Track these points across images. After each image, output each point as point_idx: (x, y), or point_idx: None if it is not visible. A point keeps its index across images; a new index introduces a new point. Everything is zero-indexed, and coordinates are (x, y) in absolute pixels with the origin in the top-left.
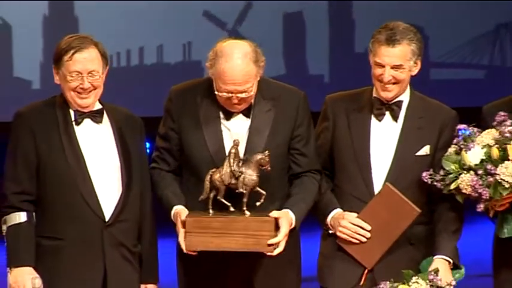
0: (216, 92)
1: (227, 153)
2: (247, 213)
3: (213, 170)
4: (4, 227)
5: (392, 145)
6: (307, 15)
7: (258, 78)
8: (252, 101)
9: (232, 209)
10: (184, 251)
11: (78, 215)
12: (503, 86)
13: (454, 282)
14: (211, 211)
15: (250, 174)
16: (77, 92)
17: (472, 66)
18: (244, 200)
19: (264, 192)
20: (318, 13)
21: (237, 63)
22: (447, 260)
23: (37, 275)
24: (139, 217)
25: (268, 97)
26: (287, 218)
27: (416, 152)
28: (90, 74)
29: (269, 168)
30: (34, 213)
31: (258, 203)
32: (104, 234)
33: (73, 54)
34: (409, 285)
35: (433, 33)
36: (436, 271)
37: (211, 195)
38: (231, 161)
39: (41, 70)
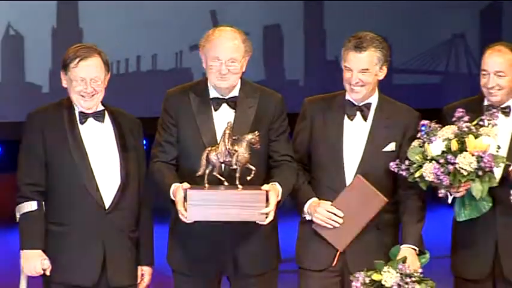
0: (208, 65)
1: (222, 134)
2: (240, 187)
3: (209, 149)
4: (17, 215)
5: (362, 142)
6: (284, 27)
7: (244, 62)
8: (237, 95)
9: (226, 183)
10: (186, 221)
11: (81, 203)
12: (458, 90)
13: (420, 268)
14: (206, 185)
15: (242, 152)
16: (81, 96)
17: (430, 72)
18: (238, 175)
19: (253, 168)
20: (294, 26)
21: (228, 33)
22: (413, 248)
23: (46, 257)
24: (137, 206)
25: (251, 96)
26: (275, 191)
27: (383, 148)
28: (93, 80)
29: (259, 146)
30: (43, 202)
31: (248, 178)
32: (104, 220)
33: (78, 62)
34: (381, 274)
35: (396, 42)
36: (404, 260)
37: (207, 171)
38: (226, 140)
39: (50, 76)
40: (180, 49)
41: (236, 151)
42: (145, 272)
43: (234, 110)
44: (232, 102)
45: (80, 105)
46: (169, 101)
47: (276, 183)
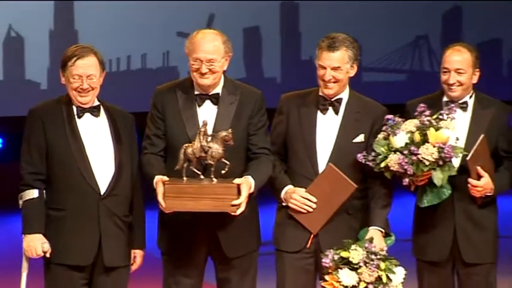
0: (191, 64)
1: (197, 132)
2: (215, 180)
3: (186, 145)
4: (20, 202)
5: (333, 134)
6: (262, 29)
7: (225, 62)
8: (220, 92)
9: (202, 176)
10: (164, 211)
11: (78, 190)
12: (421, 87)
13: (386, 247)
14: (185, 178)
15: (216, 148)
16: (78, 92)
17: (396, 71)
18: (212, 169)
19: (228, 163)
20: (271, 28)
21: (209, 35)
22: (380, 230)
23: (46, 240)
24: (130, 193)
25: (232, 93)
26: (247, 184)
27: (353, 139)
28: (88, 77)
29: (232, 142)
30: (44, 191)
31: (223, 171)
32: (99, 205)
33: (75, 60)
34: (349, 252)
35: (365, 43)
36: (371, 240)
37: (185, 165)
38: (201, 137)
39: (48, 74)
40: (166, 49)
41: (210, 147)
42: (137, 255)
43: (216, 106)
44: (215, 99)
45: (77, 100)
46: (158, 97)
47: (249, 176)
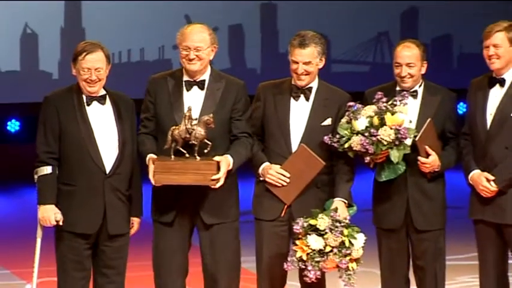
0: (181, 52)
1: (183, 116)
2: (198, 158)
3: (173, 128)
4: (35, 177)
5: (305, 118)
6: (245, 27)
7: (211, 51)
8: (206, 79)
9: (187, 155)
10: (153, 184)
11: (87, 168)
12: (382, 77)
13: (348, 216)
14: (172, 157)
15: (199, 131)
16: (87, 82)
17: (361, 63)
18: (196, 148)
19: (210, 143)
20: (253, 26)
21: (196, 27)
22: (343, 201)
23: (58, 211)
24: (130, 171)
25: (218, 81)
26: (226, 161)
27: (321, 123)
28: (96, 70)
29: (213, 126)
30: (57, 168)
31: (205, 151)
32: (104, 183)
33: (85, 55)
34: (317, 220)
35: (334, 38)
36: (336, 209)
37: (173, 145)
38: (186, 121)
39: (59, 66)
40: (162, 44)
41: (194, 129)
42: (135, 222)
43: (203, 91)
44: (201, 84)
45: (86, 90)
46: (151, 84)
47: (228, 155)
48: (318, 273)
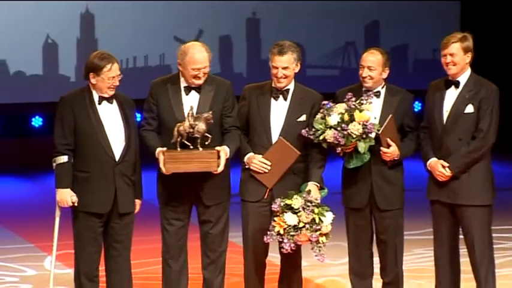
0: (189, 71)
1: (186, 114)
2: (200, 148)
3: (178, 124)
4: (54, 165)
5: (283, 115)
6: (233, 37)
7: (210, 64)
8: (202, 83)
9: (191, 147)
10: (164, 173)
11: (99, 158)
12: (350, 80)
13: (320, 197)
14: (179, 149)
15: (201, 126)
16: (110, 88)
17: (331, 68)
18: (198, 140)
19: (210, 136)
20: (239, 36)
21: (203, 52)
22: (316, 185)
23: (73, 194)
24: (134, 159)
25: (210, 84)
26: (224, 151)
27: (297, 119)
28: (117, 77)
29: (212, 121)
30: (72, 157)
31: (206, 143)
32: (115, 169)
33: (111, 66)
34: (292, 200)
35: (308, 47)
36: (309, 192)
37: (178, 139)
38: (189, 118)
39: (75, 70)
40: (163, 52)
41: (196, 125)
42: (137, 203)
43: (199, 94)
44: (198, 89)
45: (107, 93)
46: (153, 88)
47: (225, 146)
48: (293, 245)
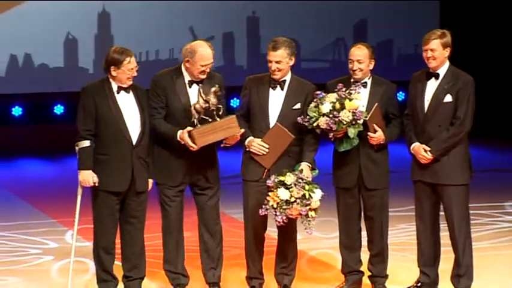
0: (198, 68)
1: (197, 92)
2: (218, 119)
3: (193, 103)
4: (76, 148)
5: (280, 103)
6: (235, 33)
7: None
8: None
9: (210, 120)
10: (195, 149)
11: (118, 142)
12: (340, 72)
13: (311, 177)
14: (198, 125)
15: (213, 99)
16: (129, 79)
17: (323, 61)
18: (214, 112)
19: (221, 106)
20: (241, 32)
21: (210, 50)
22: (308, 165)
23: (94, 174)
24: (148, 143)
25: (209, 78)
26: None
27: (292, 107)
28: (135, 68)
29: (220, 93)
30: (93, 141)
31: (220, 113)
32: (132, 152)
33: (130, 59)
34: (285, 177)
35: (303, 42)
36: (301, 170)
37: (197, 116)
38: (201, 95)
39: (93, 63)
40: (172, 47)
41: (209, 99)
42: (149, 182)
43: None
44: (199, 82)
45: (127, 84)
46: (160, 80)
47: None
48: (284, 218)
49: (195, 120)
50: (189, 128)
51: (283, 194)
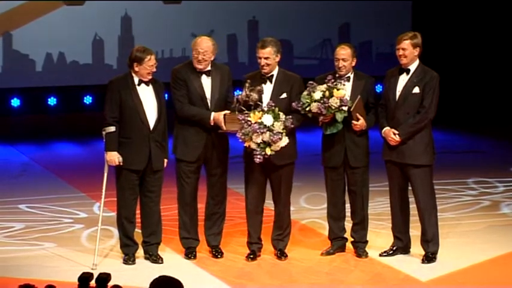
0: (193, 55)
1: (243, 85)
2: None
3: (237, 95)
4: (104, 133)
5: (269, 93)
6: (237, 35)
7: (214, 56)
8: (210, 69)
9: (246, 112)
10: (223, 130)
11: (138, 127)
12: (326, 68)
13: (290, 125)
14: (237, 112)
15: (254, 95)
16: (148, 74)
17: (312, 58)
18: (252, 107)
19: (260, 104)
20: (243, 34)
21: (204, 38)
22: (291, 119)
23: (119, 155)
24: (163, 128)
25: (217, 69)
26: None
27: (280, 96)
28: (155, 65)
29: (263, 93)
30: (118, 127)
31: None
32: (150, 136)
33: (151, 57)
34: (270, 114)
35: (295, 42)
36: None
37: (237, 105)
38: (246, 89)
39: (117, 60)
40: (184, 47)
41: (251, 95)
42: (164, 161)
43: (210, 77)
44: (208, 73)
45: (147, 78)
46: (180, 72)
47: None
48: (264, 153)
49: (235, 107)
50: (226, 112)
51: (267, 120)
